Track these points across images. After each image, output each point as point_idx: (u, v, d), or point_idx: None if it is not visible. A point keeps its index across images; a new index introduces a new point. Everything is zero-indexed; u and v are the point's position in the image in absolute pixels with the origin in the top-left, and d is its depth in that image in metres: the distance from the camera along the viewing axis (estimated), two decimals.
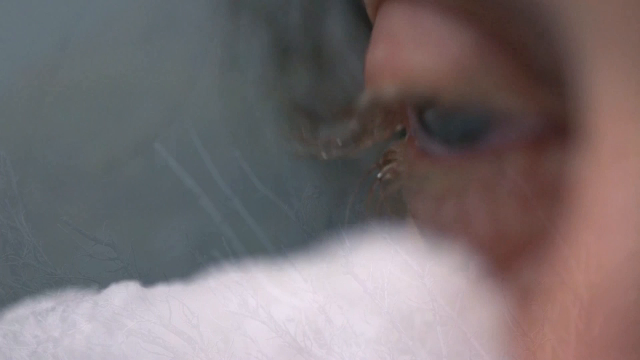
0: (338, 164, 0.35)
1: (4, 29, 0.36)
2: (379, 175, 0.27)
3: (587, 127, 0.20)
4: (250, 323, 0.20)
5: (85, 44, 0.37)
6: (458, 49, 0.22)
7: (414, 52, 0.23)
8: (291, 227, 0.38)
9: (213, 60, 0.35)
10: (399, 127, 0.27)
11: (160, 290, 0.22)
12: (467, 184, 0.23)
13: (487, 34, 0.22)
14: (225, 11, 0.34)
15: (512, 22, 0.21)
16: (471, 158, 0.23)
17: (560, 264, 0.20)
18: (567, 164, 0.21)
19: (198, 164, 0.38)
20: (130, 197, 0.39)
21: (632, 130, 0.19)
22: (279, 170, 0.37)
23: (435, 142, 0.24)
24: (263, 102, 0.35)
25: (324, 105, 0.29)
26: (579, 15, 0.19)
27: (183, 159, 0.38)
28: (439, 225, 0.24)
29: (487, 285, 0.21)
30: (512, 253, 0.23)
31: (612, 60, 0.19)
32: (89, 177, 0.38)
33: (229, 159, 0.38)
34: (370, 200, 0.28)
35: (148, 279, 0.24)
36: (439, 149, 0.24)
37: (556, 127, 0.22)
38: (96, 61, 0.38)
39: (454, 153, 0.24)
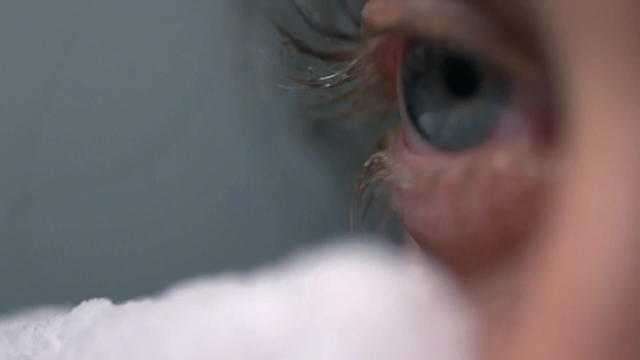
0: (351, 164, 0.35)
1: (4, 29, 0.36)
2: (367, 163, 0.27)
3: (569, 130, 0.20)
4: (218, 336, 0.20)
5: (94, 43, 0.37)
6: (445, 15, 0.23)
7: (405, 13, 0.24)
8: (302, 227, 0.38)
9: (226, 60, 0.35)
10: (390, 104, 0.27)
11: (129, 307, 0.22)
12: (440, 185, 0.23)
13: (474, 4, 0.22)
14: (237, 11, 0.34)
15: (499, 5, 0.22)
16: (450, 157, 0.24)
17: (542, 265, 0.20)
18: (549, 165, 0.22)
19: (209, 163, 0.38)
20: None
21: (614, 131, 0.19)
22: (291, 170, 0.37)
23: (422, 137, 0.25)
24: (275, 102, 0.35)
25: (318, 44, 0.29)
26: (561, 19, 0.20)
27: (194, 159, 0.38)
28: (414, 225, 0.24)
29: (455, 293, 0.21)
30: (488, 255, 0.23)
31: (595, 63, 0.19)
32: (97, 179, 0.38)
33: (240, 159, 0.38)
34: (356, 188, 0.28)
35: (119, 296, 0.24)
36: (423, 144, 0.24)
37: (539, 130, 0.22)
38: (106, 61, 0.38)
39: (436, 150, 0.24)
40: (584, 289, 0.19)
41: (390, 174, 0.26)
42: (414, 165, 0.25)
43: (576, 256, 0.19)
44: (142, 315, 0.21)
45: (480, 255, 0.23)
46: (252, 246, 0.39)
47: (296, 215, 0.38)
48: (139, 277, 0.33)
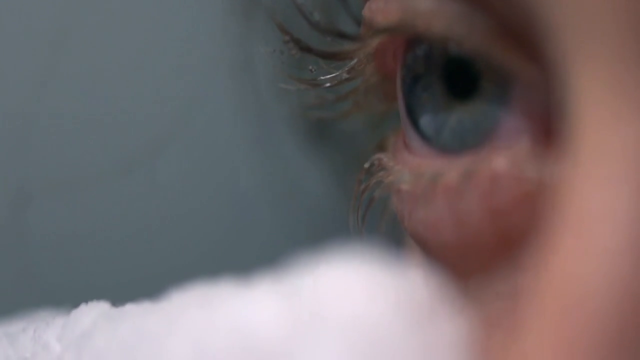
0: (351, 165, 0.35)
1: (3, 28, 0.36)
2: (367, 165, 0.27)
3: (568, 132, 0.20)
4: (217, 338, 0.20)
5: (94, 43, 0.37)
6: (445, 15, 0.23)
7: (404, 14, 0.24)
8: (302, 228, 0.38)
9: (226, 61, 0.35)
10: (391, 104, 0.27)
11: (128, 309, 0.22)
12: (440, 187, 0.23)
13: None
14: (238, 12, 0.34)
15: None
16: (450, 160, 0.24)
17: (542, 266, 0.20)
18: (548, 167, 0.22)
19: (209, 165, 0.38)
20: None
21: (614, 133, 0.19)
22: (291, 171, 0.37)
23: (421, 138, 0.25)
24: (276, 104, 0.35)
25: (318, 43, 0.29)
26: (561, 19, 0.20)
27: (194, 160, 0.38)
28: (414, 226, 0.24)
29: (455, 295, 0.21)
30: (488, 257, 0.23)
31: (594, 64, 0.19)
32: (97, 180, 0.38)
33: (240, 160, 0.38)
34: (356, 190, 0.28)
35: (117, 297, 0.24)
36: (424, 147, 0.25)
37: (538, 132, 0.22)
38: (106, 61, 0.38)
39: (436, 152, 0.24)
40: (584, 289, 0.19)
41: (390, 175, 0.26)
42: (413, 167, 0.25)
43: (576, 257, 0.19)
44: (141, 318, 0.21)
45: (480, 257, 0.23)
46: (251, 247, 0.39)
47: (296, 217, 0.38)
48: (138, 278, 0.33)
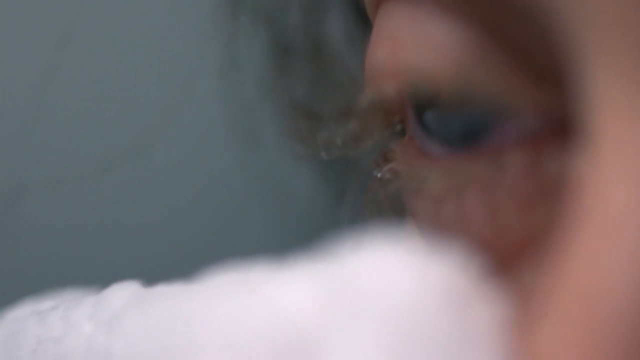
0: (339, 164, 0.35)
1: (1, 29, 0.36)
2: (379, 174, 0.27)
3: (587, 127, 0.20)
4: (254, 322, 0.20)
5: (84, 44, 0.36)
6: (458, 48, 0.22)
7: (414, 52, 0.23)
8: (291, 228, 0.38)
9: (212, 61, 0.35)
10: (399, 127, 0.27)
11: (161, 290, 0.22)
12: (466, 185, 0.23)
13: (487, 33, 0.22)
14: (225, 12, 0.34)
15: (512, 22, 0.21)
16: (470, 158, 0.23)
17: (561, 263, 0.20)
18: (567, 164, 0.21)
19: (197, 164, 0.38)
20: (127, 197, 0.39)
21: (633, 129, 0.19)
22: (279, 171, 0.37)
23: (434, 142, 0.24)
24: (263, 103, 0.35)
25: (324, 106, 0.29)
26: (578, 15, 0.19)
27: (182, 160, 0.38)
28: (438, 225, 0.24)
29: (488, 285, 0.21)
30: (512, 253, 0.23)
31: (613, 60, 0.19)
32: (83, 178, 0.38)
33: (228, 160, 0.38)
34: (369, 200, 0.28)
35: (149, 279, 0.24)
36: (438, 149, 0.24)
37: (556, 127, 0.22)
38: (94, 62, 0.37)
39: (453, 153, 0.24)
40: (603, 287, 0.18)
41: (406, 181, 0.25)
42: (436, 168, 0.24)
43: (595, 255, 0.19)
44: (174, 300, 0.21)
45: (508, 251, 0.23)
46: (239, 249, 0.39)
47: (283, 219, 0.38)
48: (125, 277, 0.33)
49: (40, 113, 0.37)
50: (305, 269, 0.20)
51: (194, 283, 0.21)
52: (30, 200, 0.37)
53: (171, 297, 0.21)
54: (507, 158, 0.22)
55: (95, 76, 0.37)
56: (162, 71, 0.37)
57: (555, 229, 0.21)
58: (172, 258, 0.39)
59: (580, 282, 0.19)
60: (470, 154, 0.23)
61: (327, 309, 0.19)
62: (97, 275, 0.35)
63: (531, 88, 0.22)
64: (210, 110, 0.37)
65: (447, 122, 0.24)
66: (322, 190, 0.37)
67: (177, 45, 0.36)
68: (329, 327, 0.19)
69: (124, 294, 0.22)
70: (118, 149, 0.37)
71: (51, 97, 0.37)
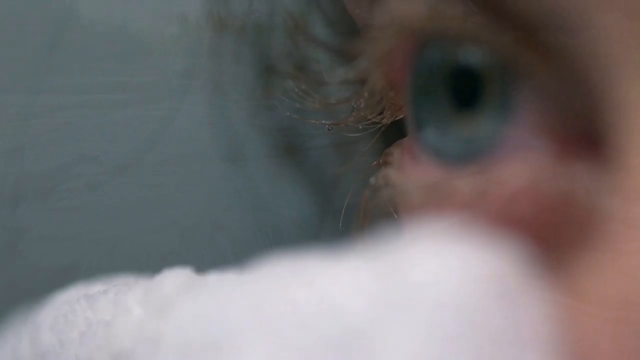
0: (324, 182, 0.35)
1: None
2: (373, 181, 0.27)
3: (612, 136, 0.20)
4: (303, 315, 0.20)
5: (72, 55, 0.36)
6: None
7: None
8: (277, 245, 0.38)
9: (198, 81, 0.35)
10: (399, 114, 0.27)
11: (213, 278, 0.22)
12: (450, 200, 0.23)
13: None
14: (210, 31, 0.34)
15: (543, 33, 0.21)
16: (462, 170, 0.23)
17: (597, 268, 0.19)
18: (598, 178, 0.21)
19: (183, 181, 0.38)
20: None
21: None
22: (266, 191, 0.37)
23: (430, 150, 0.24)
24: (249, 123, 0.35)
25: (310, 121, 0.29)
26: (610, 27, 0.19)
27: (168, 179, 0.38)
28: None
29: (538, 279, 0.21)
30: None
31: None
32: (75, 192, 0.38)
33: (214, 179, 0.38)
34: (361, 208, 0.28)
35: (199, 267, 0.24)
36: (433, 159, 0.24)
37: (586, 142, 0.22)
38: (80, 76, 0.37)
39: (447, 166, 0.24)
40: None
41: (397, 189, 0.25)
42: (424, 180, 0.24)
43: (625, 273, 0.19)
44: (226, 290, 0.21)
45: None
46: (221, 262, 0.38)
47: (267, 235, 0.38)
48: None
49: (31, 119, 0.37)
50: (357, 262, 0.20)
51: (245, 273, 0.21)
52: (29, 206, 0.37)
53: (222, 287, 0.21)
54: (501, 173, 0.22)
55: (80, 91, 0.37)
56: (148, 88, 0.37)
57: (580, 240, 0.21)
58: (158, 272, 0.38)
59: (620, 286, 0.19)
60: (463, 167, 0.23)
61: (377, 301, 0.19)
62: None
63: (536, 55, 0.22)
64: (194, 127, 0.37)
65: (447, 136, 0.24)
66: (305, 209, 0.37)
67: (163, 62, 0.36)
68: (380, 320, 0.19)
69: (176, 280, 0.22)
70: (98, 168, 0.37)
71: (41, 104, 0.37)
